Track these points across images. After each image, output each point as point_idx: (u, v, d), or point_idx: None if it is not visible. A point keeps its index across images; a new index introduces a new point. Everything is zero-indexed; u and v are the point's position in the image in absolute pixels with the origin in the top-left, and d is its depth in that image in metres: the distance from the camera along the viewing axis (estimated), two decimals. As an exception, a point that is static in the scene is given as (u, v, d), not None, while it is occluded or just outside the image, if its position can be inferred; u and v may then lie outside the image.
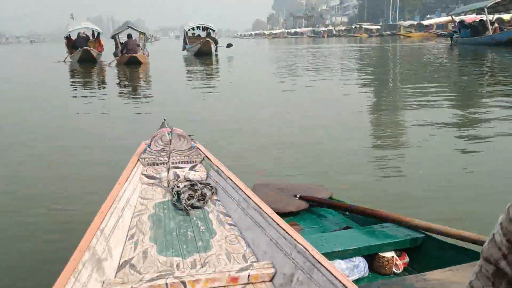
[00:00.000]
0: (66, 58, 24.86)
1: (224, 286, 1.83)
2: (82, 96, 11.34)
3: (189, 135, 3.22)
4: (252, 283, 1.84)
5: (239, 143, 5.84)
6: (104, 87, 13.84)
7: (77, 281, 1.66)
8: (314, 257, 1.76)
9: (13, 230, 3.46)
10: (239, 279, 1.84)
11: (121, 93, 12.02)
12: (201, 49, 27.99)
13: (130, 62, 20.77)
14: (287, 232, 1.96)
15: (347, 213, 3.00)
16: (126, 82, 15.30)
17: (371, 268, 2.48)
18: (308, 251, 1.80)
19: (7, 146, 6.08)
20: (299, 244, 1.85)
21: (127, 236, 2.26)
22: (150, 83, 15.13)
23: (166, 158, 3.08)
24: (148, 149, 3.15)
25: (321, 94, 10.24)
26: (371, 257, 2.49)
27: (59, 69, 21.38)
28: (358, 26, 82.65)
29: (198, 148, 3.21)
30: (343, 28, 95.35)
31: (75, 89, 13.15)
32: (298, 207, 3.10)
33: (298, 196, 3.20)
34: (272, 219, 2.10)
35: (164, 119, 3.44)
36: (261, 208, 2.23)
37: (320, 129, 6.52)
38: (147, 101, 10.27)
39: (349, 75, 14.59)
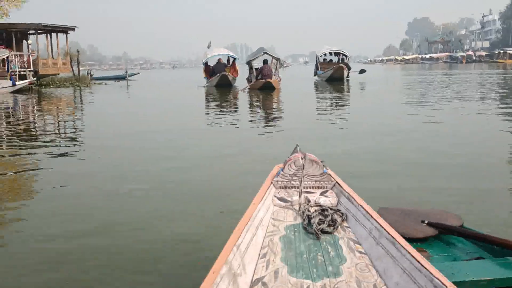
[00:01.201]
0: (206, 84, 26.55)
1: None
2: (218, 119, 12.04)
3: (321, 161, 3.27)
4: None
5: (368, 168, 5.82)
6: (236, 111, 14.37)
7: None
8: None
9: (155, 242, 3.75)
10: None
11: (253, 117, 12.43)
12: (333, 75, 27.87)
13: (264, 88, 21.22)
14: (422, 265, 1.89)
15: (480, 243, 2.79)
16: (259, 107, 15.63)
17: None
18: (445, 286, 1.72)
19: (145, 160, 6.77)
20: (436, 278, 1.78)
21: (259, 254, 2.35)
22: (282, 108, 15.25)
23: (298, 182, 3.15)
24: (281, 172, 3.25)
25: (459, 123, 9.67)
26: None
27: (197, 93, 22.95)
28: (502, 51, 76.48)
29: (329, 174, 3.23)
30: (484, 53, 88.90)
31: (213, 112, 14.00)
32: (426, 234, 2.96)
33: (426, 222, 3.06)
34: (406, 250, 2.04)
35: (297, 145, 3.53)
36: (394, 238, 2.18)
37: (452, 157, 6.28)
38: (279, 125, 10.52)
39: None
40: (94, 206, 4.67)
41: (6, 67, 25.79)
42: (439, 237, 3.01)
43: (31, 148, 7.98)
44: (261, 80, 21.75)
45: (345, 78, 28.42)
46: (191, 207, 4.58)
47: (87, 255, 3.49)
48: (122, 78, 43.49)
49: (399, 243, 2.12)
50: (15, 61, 27.31)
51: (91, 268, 3.27)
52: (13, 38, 28.91)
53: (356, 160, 6.29)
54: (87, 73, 43.40)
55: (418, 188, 4.94)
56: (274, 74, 23.03)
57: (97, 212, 4.47)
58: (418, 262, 1.92)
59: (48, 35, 31.68)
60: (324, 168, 3.23)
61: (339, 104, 15.43)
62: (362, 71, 29.66)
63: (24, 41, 30.52)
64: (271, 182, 3.16)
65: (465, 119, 10.37)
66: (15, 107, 17.35)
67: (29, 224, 4.22)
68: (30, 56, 29.13)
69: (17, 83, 24.58)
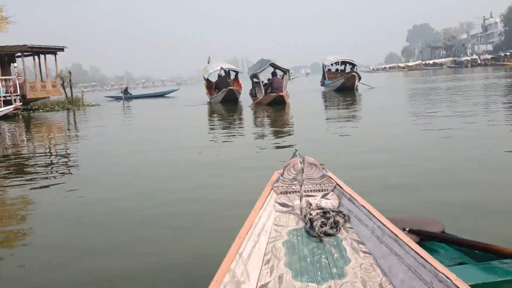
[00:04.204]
0: (210, 100, 26.11)
1: None
2: (224, 134, 12.19)
3: (321, 164, 3.34)
4: None
5: (368, 178, 5.90)
6: (242, 127, 14.24)
7: None
8: (457, 287, 1.73)
9: (156, 251, 3.95)
10: None
11: (262, 133, 12.22)
12: (345, 84, 27.53)
13: (275, 102, 20.10)
14: (426, 261, 1.94)
15: (462, 248, 2.84)
16: (270, 123, 15.05)
17: None
18: (450, 280, 1.77)
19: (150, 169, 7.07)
20: (441, 273, 1.83)
21: (263, 261, 2.40)
22: (292, 122, 14.94)
23: (299, 187, 3.21)
24: (281, 178, 3.32)
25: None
26: None
27: (204, 110, 22.64)
28: (509, 53, 76.98)
29: (329, 176, 3.30)
30: (489, 57, 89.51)
31: (220, 127, 14.14)
32: None
33: (407, 229, 3.10)
34: (410, 247, 2.10)
35: (296, 149, 3.61)
36: (397, 236, 2.24)
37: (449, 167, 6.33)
38: (294, 140, 10.42)
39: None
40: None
41: None
42: (421, 244, 3.02)
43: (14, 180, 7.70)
44: (271, 94, 20.59)
45: (355, 88, 28.24)
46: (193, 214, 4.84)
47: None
48: (161, 95, 45.27)
49: (403, 241, 2.17)
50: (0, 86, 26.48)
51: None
52: (-1, 62, 28.34)
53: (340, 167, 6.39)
54: (122, 91, 44.37)
55: (399, 195, 5.11)
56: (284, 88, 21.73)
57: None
58: (423, 258, 1.97)
59: (36, 56, 31.16)
60: (324, 171, 3.30)
61: (350, 115, 15.05)
62: (371, 88, 29.39)
63: (12, 64, 30.50)
64: (272, 188, 3.22)
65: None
66: None
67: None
68: (17, 80, 28.60)
69: (0, 109, 23.84)
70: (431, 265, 1.89)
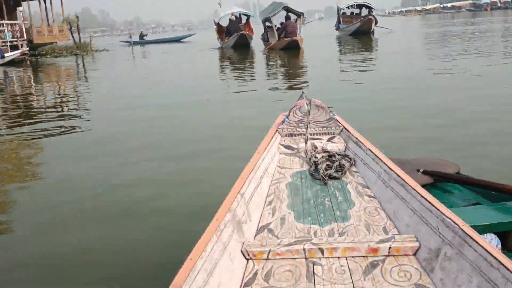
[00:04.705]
0: (220, 45, 25.50)
1: (363, 256, 1.82)
2: (237, 79, 12.05)
3: (328, 107, 3.25)
4: (393, 255, 1.81)
5: (378, 120, 5.90)
6: (253, 73, 13.91)
7: (219, 240, 1.80)
8: (464, 232, 1.68)
9: (162, 191, 4.09)
10: (379, 251, 1.82)
11: (274, 80, 11.95)
12: (361, 28, 26.54)
13: (289, 47, 19.44)
14: (433, 205, 1.88)
15: (477, 189, 2.82)
16: (283, 69, 14.67)
17: (504, 246, 2.33)
18: (458, 225, 1.72)
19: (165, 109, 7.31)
20: (447, 218, 1.77)
21: (265, 202, 2.37)
22: (306, 68, 14.37)
23: (304, 129, 3.14)
24: (286, 120, 3.25)
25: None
26: (504, 234, 2.34)
27: (215, 56, 22.10)
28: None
29: (336, 119, 3.22)
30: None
31: (231, 73, 13.89)
32: (421, 182, 2.97)
33: (421, 170, 3.08)
34: (416, 191, 2.04)
35: (303, 92, 3.51)
36: (403, 180, 2.18)
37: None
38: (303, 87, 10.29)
39: None
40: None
41: None
42: (435, 185, 3.03)
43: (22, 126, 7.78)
44: (285, 39, 19.92)
45: (371, 32, 27.24)
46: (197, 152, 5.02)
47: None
48: (177, 40, 44.47)
49: (409, 185, 2.11)
50: (5, 30, 26.24)
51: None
52: (4, 6, 27.42)
53: (358, 111, 6.38)
54: (129, 36, 44.01)
55: (414, 137, 5.05)
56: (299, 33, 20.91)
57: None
58: (429, 202, 1.92)
59: (42, 0, 30.34)
60: (331, 114, 3.22)
61: (366, 60, 14.59)
62: (390, 31, 28.45)
63: (18, 8, 29.95)
64: (276, 130, 3.16)
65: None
66: (4, 80, 16.91)
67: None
68: (23, 25, 27.97)
69: (6, 54, 23.65)
70: (438, 209, 1.84)
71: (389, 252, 1.82)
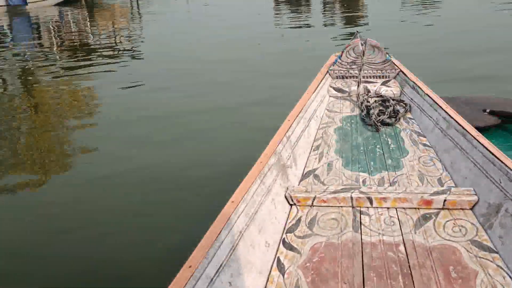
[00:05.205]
0: None
1: (415, 208, 1.71)
2: (289, 19, 11.61)
3: (385, 49, 3.05)
4: (448, 209, 1.69)
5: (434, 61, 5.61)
6: (309, 11, 13.38)
7: (262, 183, 1.73)
8: None
9: (210, 138, 4.03)
10: (433, 203, 1.70)
11: (331, 19, 11.44)
12: None
13: None
14: (496, 157, 1.73)
15: None
16: (341, 9, 13.74)
17: None
18: None
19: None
20: None
21: (312, 147, 2.28)
22: (365, 6, 13.51)
23: (357, 71, 2.97)
24: (338, 60, 3.08)
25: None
26: None
27: None
28: None
29: (393, 62, 3.02)
30: None
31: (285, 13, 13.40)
32: (487, 123, 2.81)
33: (488, 110, 2.90)
34: (478, 141, 1.88)
35: (357, 31, 3.31)
36: (464, 129, 2.01)
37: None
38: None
39: None
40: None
41: None
42: (503, 126, 2.86)
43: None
44: None
45: None
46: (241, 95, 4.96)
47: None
48: None
49: (470, 134, 1.95)
50: None
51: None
52: None
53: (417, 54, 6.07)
54: None
55: (481, 74, 4.79)
56: None
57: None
58: (492, 154, 1.76)
59: None
60: (387, 55, 3.02)
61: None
62: None
63: None
64: (327, 72, 3.01)
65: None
66: (60, 20, 16.93)
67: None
68: None
69: None
70: (502, 162, 1.68)
71: (443, 205, 1.70)
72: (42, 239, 2.74)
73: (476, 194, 1.71)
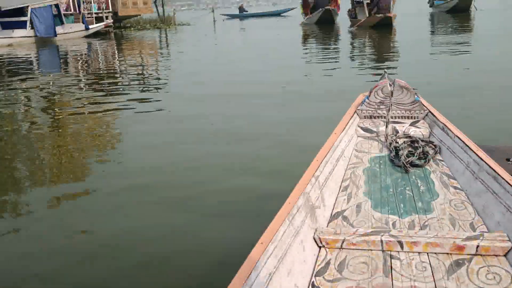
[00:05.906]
0: (304, 21, 24.50)
1: (447, 253, 1.69)
2: (317, 59, 11.73)
3: (414, 89, 3.06)
4: (481, 255, 1.67)
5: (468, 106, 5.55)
6: (337, 52, 13.18)
7: (291, 224, 1.74)
8: None
9: (233, 168, 4.10)
10: (466, 249, 1.68)
11: (361, 61, 11.12)
12: (459, 5, 24.25)
13: (381, 24, 18.00)
14: None
15: None
16: (372, 49, 13.75)
17: None
18: None
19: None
20: None
21: (340, 187, 2.28)
22: (397, 49, 13.07)
23: (385, 111, 2.98)
24: (366, 100, 3.10)
25: None
26: None
27: (296, 33, 21.29)
28: None
29: (421, 102, 3.03)
30: None
31: (313, 52, 13.43)
32: (511, 172, 2.76)
33: (511, 160, 2.87)
34: (511, 185, 1.86)
35: (385, 71, 3.34)
36: (496, 172, 1.99)
37: None
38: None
39: None
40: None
41: (77, 9, 25.18)
42: None
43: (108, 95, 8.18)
44: (377, 16, 18.37)
45: (469, 9, 24.80)
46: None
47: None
48: (277, 14, 44.69)
49: (503, 178, 1.93)
50: (92, 2, 26.86)
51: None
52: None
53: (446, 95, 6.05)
54: (241, 9, 44.99)
55: (503, 123, 4.70)
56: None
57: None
58: None
59: None
60: (416, 96, 3.03)
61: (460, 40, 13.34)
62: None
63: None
64: (355, 111, 3.03)
65: None
66: (88, 52, 17.46)
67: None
68: None
69: (91, 26, 24.32)
70: None
71: (476, 251, 1.68)
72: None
73: (510, 240, 1.69)
